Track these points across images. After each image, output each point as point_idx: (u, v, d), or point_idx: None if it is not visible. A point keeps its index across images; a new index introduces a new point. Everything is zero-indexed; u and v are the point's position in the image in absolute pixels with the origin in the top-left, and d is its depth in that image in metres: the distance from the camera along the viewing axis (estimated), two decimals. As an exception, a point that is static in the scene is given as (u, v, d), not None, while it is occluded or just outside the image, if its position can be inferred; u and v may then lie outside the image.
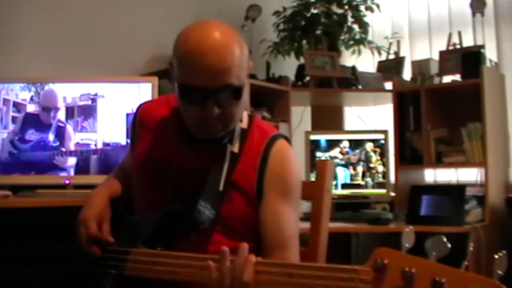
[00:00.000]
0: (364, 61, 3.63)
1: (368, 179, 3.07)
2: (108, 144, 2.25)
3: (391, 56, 3.46)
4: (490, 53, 3.06)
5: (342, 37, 3.44)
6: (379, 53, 3.45)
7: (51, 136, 2.23)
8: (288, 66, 3.39)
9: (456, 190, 2.77)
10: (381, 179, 3.06)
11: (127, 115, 2.26)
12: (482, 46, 2.99)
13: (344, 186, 3.07)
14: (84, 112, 2.26)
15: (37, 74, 2.39)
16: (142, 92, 2.27)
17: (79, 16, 2.67)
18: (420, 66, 3.20)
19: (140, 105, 1.41)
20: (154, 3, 3.02)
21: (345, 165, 3.08)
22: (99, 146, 2.24)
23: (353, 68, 3.39)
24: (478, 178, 2.94)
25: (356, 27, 3.45)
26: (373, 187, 3.07)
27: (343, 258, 2.98)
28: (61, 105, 2.25)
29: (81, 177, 2.22)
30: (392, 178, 3.08)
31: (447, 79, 3.08)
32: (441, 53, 3.11)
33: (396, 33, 3.53)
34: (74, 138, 2.24)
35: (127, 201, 1.34)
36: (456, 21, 3.32)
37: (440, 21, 3.43)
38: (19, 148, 2.20)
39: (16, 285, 1.92)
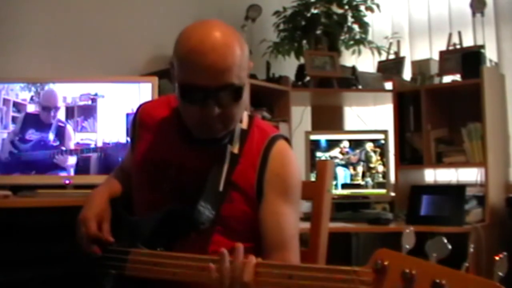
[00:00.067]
0: (364, 61, 3.63)
1: (368, 179, 3.07)
2: (108, 144, 2.25)
3: (391, 56, 3.46)
4: (490, 53, 3.06)
5: (342, 37, 3.44)
6: (379, 53, 3.45)
7: (51, 136, 2.23)
8: (288, 66, 3.39)
9: (456, 190, 2.77)
10: (381, 179, 3.06)
11: (127, 115, 2.26)
12: (482, 46, 2.99)
13: (344, 186, 3.07)
14: (84, 112, 2.26)
15: (37, 74, 2.39)
16: (142, 92, 2.27)
17: (79, 16, 2.67)
18: (420, 66, 3.19)
19: (140, 105, 1.41)
20: (154, 3, 3.02)
21: (345, 165, 3.08)
22: (99, 152, 2.24)
23: (353, 68, 3.39)
24: (478, 178, 2.94)
25: (356, 27, 3.45)
26: (373, 187, 3.07)
27: (343, 258, 2.98)
28: (61, 104, 2.25)
29: (81, 177, 2.22)
30: (392, 178, 3.08)
31: (447, 79, 3.08)
32: (441, 53, 3.11)
33: (396, 33, 3.53)
34: (74, 138, 2.24)
35: (127, 201, 1.34)
36: (456, 21, 3.32)
37: (440, 21, 3.43)
38: (19, 148, 2.20)
39: (16, 285, 1.92)
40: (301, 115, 3.37)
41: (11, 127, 2.21)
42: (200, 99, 1.13)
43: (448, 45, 3.12)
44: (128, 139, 1.87)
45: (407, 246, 0.77)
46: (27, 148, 2.20)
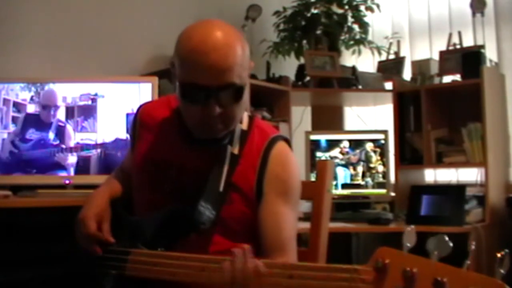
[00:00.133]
0: (364, 61, 3.62)
1: (368, 179, 3.07)
2: (108, 144, 2.25)
3: (391, 56, 3.46)
4: (490, 53, 3.06)
5: (342, 37, 3.44)
6: (379, 53, 3.45)
7: (51, 135, 2.23)
8: (288, 66, 3.39)
9: (456, 190, 2.77)
10: (381, 179, 3.06)
11: (127, 115, 2.25)
12: (482, 46, 2.99)
13: (344, 186, 3.07)
14: (84, 112, 2.26)
15: (37, 74, 2.39)
16: (142, 92, 2.27)
17: (79, 16, 2.67)
18: (420, 66, 3.19)
19: (141, 106, 1.41)
20: (154, 3, 3.02)
21: (345, 165, 3.08)
22: (99, 149, 2.24)
23: (353, 68, 3.39)
24: (478, 178, 2.94)
25: (356, 27, 3.45)
26: (373, 187, 3.07)
27: (344, 258, 2.98)
28: (61, 103, 2.25)
29: (81, 177, 2.22)
30: (392, 178, 3.08)
31: (447, 79, 3.08)
32: (441, 53, 3.11)
33: (396, 33, 3.52)
34: (74, 138, 2.24)
35: (127, 201, 1.34)
36: (456, 21, 3.32)
37: (440, 21, 3.43)
38: (20, 148, 2.20)
39: (16, 285, 1.92)
40: (301, 115, 3.37)
41: (11, 127, 2.21)
42: (201, 99, 1.13)
43: (448, 45, 3.12)
44: (128, 137, 1.87)
45: (408, 245, 0.76)
46: (27, 147, 2.20)
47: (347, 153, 3.08)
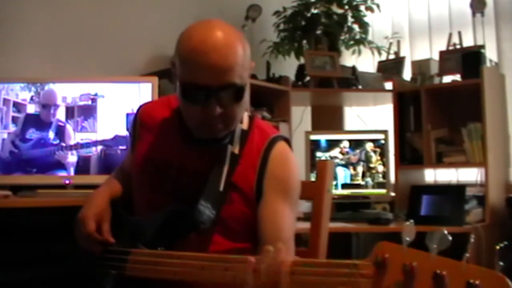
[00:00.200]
0: (364, 61, 3.63)
1: (368, 179, 3.07)
2: (108, 144, 2.25)
3: (391, 56, 3.46)
4: (490, 53, 3.06)
5: (342, 37, 3.44)
6: (379, 53, 3.45)
7: (51, 134, 2.23)
8: (288, 66, 3.39)
9: (456, 190, 2.78)
10: (381, 179, 3.06)
11: (127, 115, 2.25)
12: (482, 46, 2.99)
13: (344, 186, 3.07)
14: (84, 112, 2.26)
15: (37, 74, 2.39)
16: (142, 92, 2.27)
17: (79, 16, 2.67)
18: (420, 66, 3.20)
19: (141, 106, 1.41)
20: (154, 3, 3.02)
21: (345, 165, 3.08)
22: (99, 146, 2.24)
23: (353, 68, 3.39)
24: (478, 178, 2.94)
25: (356, 27, 3.45)
26: (373, 187, 3.07)
27: (344, 258, 2.97)
28: (61, 103, 2.25)
29: (81, 177, 2.22)
30: (392, 178, 3.08)
31: (447, 79, 3.08)
32: (441, 53, 3.11)
33: (396, 33, 3.53)
34: (74, 137, 2.24)
35: (127, 201, 1.34)
36: (456, 21, 3.32)
37: (440, 21, 3.43)
38: (20, 148, 2.20)
39: (16, 285, 1.92)
40: (301, 115, 3.37)
41: (11, 127, 2.21)
42: (201, 99, 1.13)
43: (448, 45, 3.12)
44: (128, 135, 1.87)
45: (408, 239, 0.76)
46: (27, 147, 2.21)
47: (347, 153, 3.08)
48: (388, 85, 3.25)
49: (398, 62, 3.41)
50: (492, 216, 2.70)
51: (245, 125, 1.29)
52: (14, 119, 2.21)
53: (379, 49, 3.44)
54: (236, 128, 1.25)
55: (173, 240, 1.15)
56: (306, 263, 0.88)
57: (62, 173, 2.23)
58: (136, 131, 1.37)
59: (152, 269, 1.07)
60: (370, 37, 3.53)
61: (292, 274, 0.87)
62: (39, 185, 2.13)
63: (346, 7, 3.41)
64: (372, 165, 3.07)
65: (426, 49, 3.47)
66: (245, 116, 1.30)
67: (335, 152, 3.09)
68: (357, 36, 3.45)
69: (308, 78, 3.25)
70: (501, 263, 0.71)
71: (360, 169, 3.07)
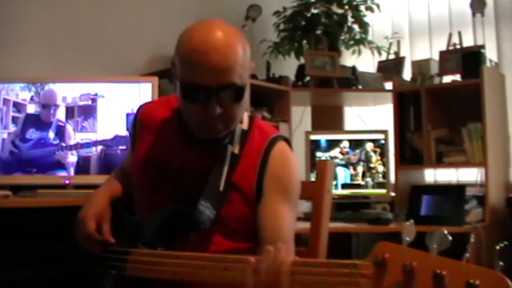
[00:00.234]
0: (364, 61, 3.63)
1: (368, 179, 3.07)
2: (108, 144, 2.25)
3: (391, 56, 3.46)
4: (490, 53, 3.07)
5: (342, 37, 3.44)
6: (379, 53, 3.45)
7: (51, 134, 2.23)
8: (288, 66, 3.39)
9: (456, 190, 2.77)
10: (381, 179, 3.06)
11: (127, 115, 2.26)
12: (482, 46, 2.99)
13: (344, 186, 3.07)
14: (84, 112, 2.26)
15: (37, 74, 2.39)
16: (142, 92, 2.27)
17: (79, 16, 2.67)
18: (420, 66, 3.20)
19: (141, 106, 1.41)
20: (154, 3, 3.02)
21: (345, 165, 3.08)
22: (99, 146, 2.24)
23: (353, 68, 3.39)
24: (478, 178, 2.94)
25: (356, 27, 3.45)
26: (373, 187, 3.07)
27: (344, 258, 2.97)
28: (61, 103, 2.25)
29: (81, 177, 2.22)
30: (392, 178, 3.08)
31: (447, 79, 3.08)
32: (441, 53, 3.11)
33: (396, 33, 3.53)
34: (74, 137, 2.24)
35: (128, 201, 1.34)
36: (456, 21, 3.32)
37: (440, 21, 3.43)
38: (20, 147, 2.20)
39: (16, 285, 1.92)
40: (301, 115, 3.37)
41: (11, 127, 2.21)
42: (202, 99, 1.13)
43: (448, 45, 3.12)
44: (128, 135, 1.87)
45: (407, 239, 0.76)
46: (27, 147, 2.21)
47: (347, 153, 3.08)
48: (388, 85, 3.26)
49: (398, 62, 3.41)
50: (492, 216, 2.70)
51: (245, 125, 1.29)
52: (14, 119, 2.21)
53: (379, 49, 3.44)
54: (236, 128, 1.25)
55: (173, 240, 1.15)
56: (306, 263, 0.88)
57: (62, 173, 2.23)
58: (136, 131, 1.37)
59: (152, 269, 1.07)
60: (370, 37, 3.53)
61: (292, 274, 0.87)
62: (39, 185, 2.13)
63: (346, 7, 3.41)
64: (372, 165, 3.07)
65: (426, 49, 3.47)
66: (245, 116, 1.30)
67: (335, 152, 3.09)
68: (357, 36, 3.45)
69: (308, 78, 3.25)
70: (501, 263, 0.71)
71: (360, 169, 3.07)
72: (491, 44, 3.14)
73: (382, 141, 3.09)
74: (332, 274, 0.82)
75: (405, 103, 3.12)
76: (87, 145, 2.23)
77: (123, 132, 2.25)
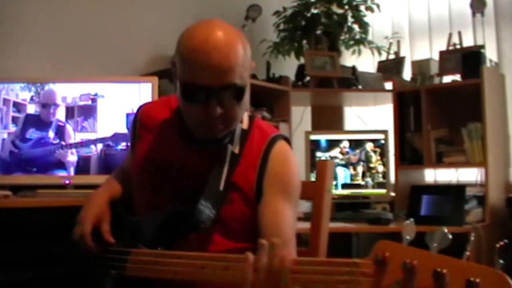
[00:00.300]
0: (364, 61, 3.63)
1: (368, 179, 3.07)
2: (107, 142, 2.25)
3: (391, 56, 3.46)
4: (490, 53, 3.07)
5: (342, 37, 3.44)
6: (379, 53, 3.45)
7: (51, 134, 2.23)
8: (288, 66, 3.39)
9: (456, 190, 2.77)
10: (381, 179, 3.06)
11: (127, 115, 2.26)
12: (482, 46, 2.99)
13: (344, 186, 3.07)
14: (84, 112, 2.26)
15: (37, 74, 2.39)
16: (142, 92, 2.27)
17: (79, 16, 2.67)
18: (420, 66, 3.20)
19: (141, 106, 1.41)
20: (154, 3, 3.02)
21: (345, 165, 3.08)
22: (99, 144, 2.24)
23: (353, 68, 3.39)
24: (478, 178, 2.94)
25: (356, 27, 3.45)
26: (373, 187, 3.07)
27: (344, 258, 2.98)
28: (61, 103, 2.25)
29: (81, 177, 2.22)
30: (392, 178, 3.08)
31: (447, 79, 3.08)
32: (441, 53, 3.11)
33: (396, 33, 3.53)
34: (74, 137, 2.24)
35: (128, 201, 1.34)
36: (456, 21, 3.32)
37: (440, 21, 3.43)
38: (20, 147, 2.20)
39: (16, 285, 1.92)
40: (301, 115, 3.37)
41: (11, 127, 2.21)
42: (202, 99, 1.13)
43: (448, 45, 3.12)
44: (129, 140, 1.87)
45: (408, 237, 0.77)
46: (27, 147, 2.21)
47: (347, 153, 3.08)
48: (388, 85, 3.26)
49: (398, 62, 3.41)
50: (492, 216, 2.70)
51: (245, 125, 1.29)
52: (14, 119, 2.21)
53: (379, 49, 3.44)
54: (236, 128, 1.25)
55: (173, 240, 1.15)
56: (307, 262, 0.89)
57: (62, 173, 2.23)
58: (136, 131, 1.37)
59: (152, 269, 1.07)
60: (370, 37, 3.53)
61: (293, 272, 0.87)
62: (39, 185, 2.13)
63: (346, 7, 3.41)
64: (372, 165, 3.07)
65: (426, 49, 3.47)
66: (245, 116, 1.30)
67: (335, 152, 3.09)
68: (357, 36, 3.45)
69: (308, 78, 3.25)
70: (501, 261, 0.71)
71: (360, 169, 3.07)
72: (491, 44, 3.14)
73: (382, 141, 3.09)
74: (333, 273, 0.82)
75: (405, 103, 3.12)
76: (87, 143, 2.23)
77: (123, 131, 2.25)
